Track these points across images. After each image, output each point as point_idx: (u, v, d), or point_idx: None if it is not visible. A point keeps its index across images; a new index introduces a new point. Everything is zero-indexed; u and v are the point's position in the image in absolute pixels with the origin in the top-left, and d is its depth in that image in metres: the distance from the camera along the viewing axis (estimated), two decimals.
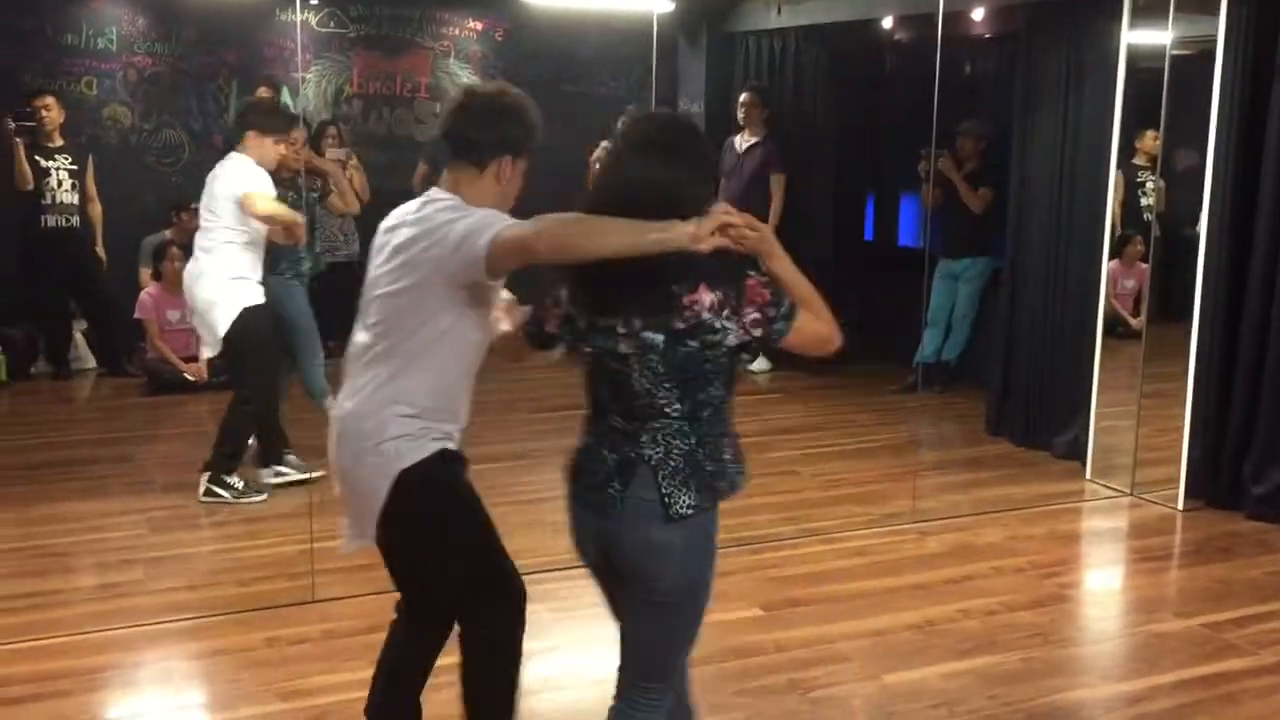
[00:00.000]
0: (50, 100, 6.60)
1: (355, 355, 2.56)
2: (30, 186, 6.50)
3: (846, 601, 4.01)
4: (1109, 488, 5.29)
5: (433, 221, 2.42)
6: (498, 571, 2.69)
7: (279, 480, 4.94)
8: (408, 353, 2.47)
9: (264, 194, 4.67)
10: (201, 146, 7.47)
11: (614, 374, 2.18)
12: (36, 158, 6.51)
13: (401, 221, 2.52)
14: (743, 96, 7.36)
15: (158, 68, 7.40)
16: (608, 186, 2.27)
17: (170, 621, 3.69)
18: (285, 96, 7.38)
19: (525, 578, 4.05)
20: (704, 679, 3.39)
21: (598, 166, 3.19)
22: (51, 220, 6.61)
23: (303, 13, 7.39)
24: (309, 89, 7.63)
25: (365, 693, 3.24)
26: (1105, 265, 5.37)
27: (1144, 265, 5.46)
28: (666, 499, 2.18)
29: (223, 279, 4.69)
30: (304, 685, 3.35)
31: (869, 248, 8.12)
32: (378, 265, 2.53)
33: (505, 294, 2.60)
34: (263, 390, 4.85)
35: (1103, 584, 4.55)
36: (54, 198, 6.59)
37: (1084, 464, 5.47)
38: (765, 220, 7.30)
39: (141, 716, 3.18)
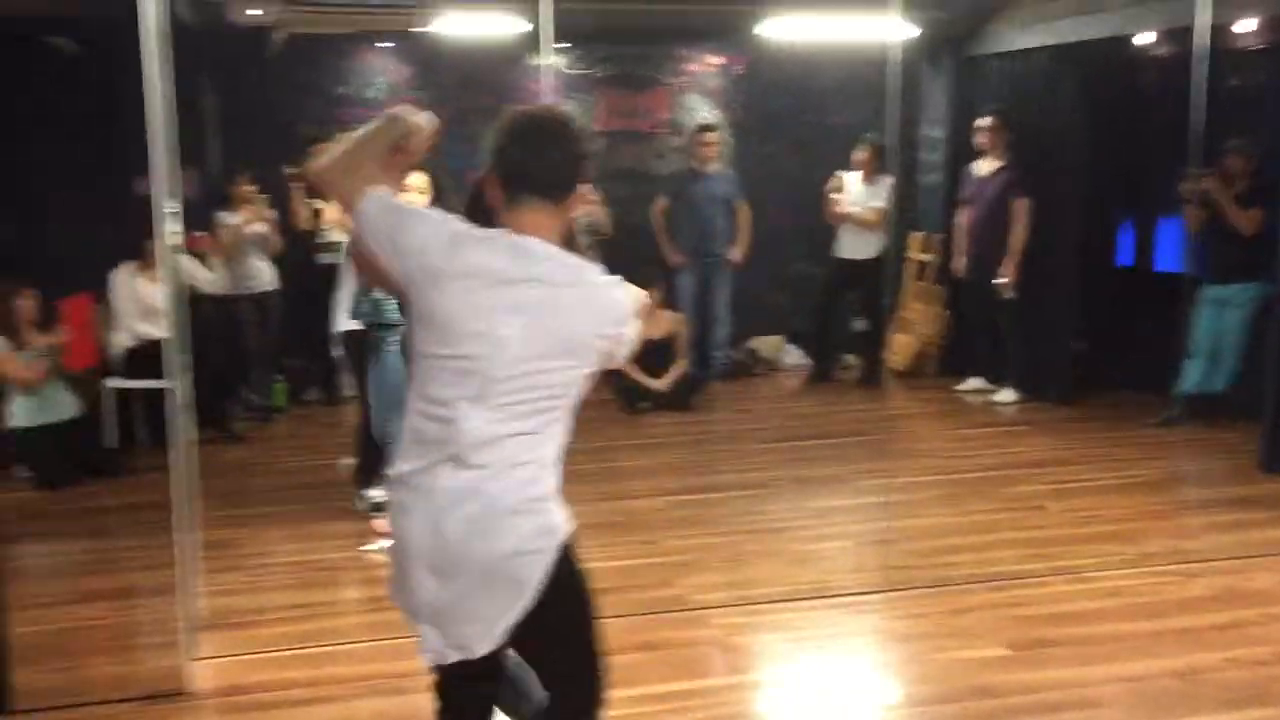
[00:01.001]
0: (326, 147, 7.11)
1: (486, 437, 2.19)
2: (307, 226, 7.03)
3: (1101, 644, 3.82)
4: None
5: (589, 293, 2.23)
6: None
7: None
8: (558, 423, 2.26)
9: None
10: (458, 185, 7.89)
11: None
12: (310, 200, 7.04)
13: (512, 274, 2.17)
14: (983, 121, 7.18)
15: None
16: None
17: None
18: None
19: (764, 607, 4.12)
20: (948, 718, 3.32)
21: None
22: (326, 258, 7.11)
23: (552, 56, 7.71)
24: None
25: (634, 709, 3.32)
26: None
27: None
28: None
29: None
30: None
31: (1123, 274, 7.74)
32: (506, 327, 2.16)
33: None
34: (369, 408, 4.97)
35: None
36: (328, 237, 7.09)
37: None
38: (1008, 247, 7.11)
39: None
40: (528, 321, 2.16)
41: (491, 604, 2.24)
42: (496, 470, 2.19)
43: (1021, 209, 7.02)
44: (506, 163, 2.24)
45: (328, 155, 2.31)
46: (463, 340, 2.17)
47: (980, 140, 7.17)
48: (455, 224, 2.23)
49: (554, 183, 2.22)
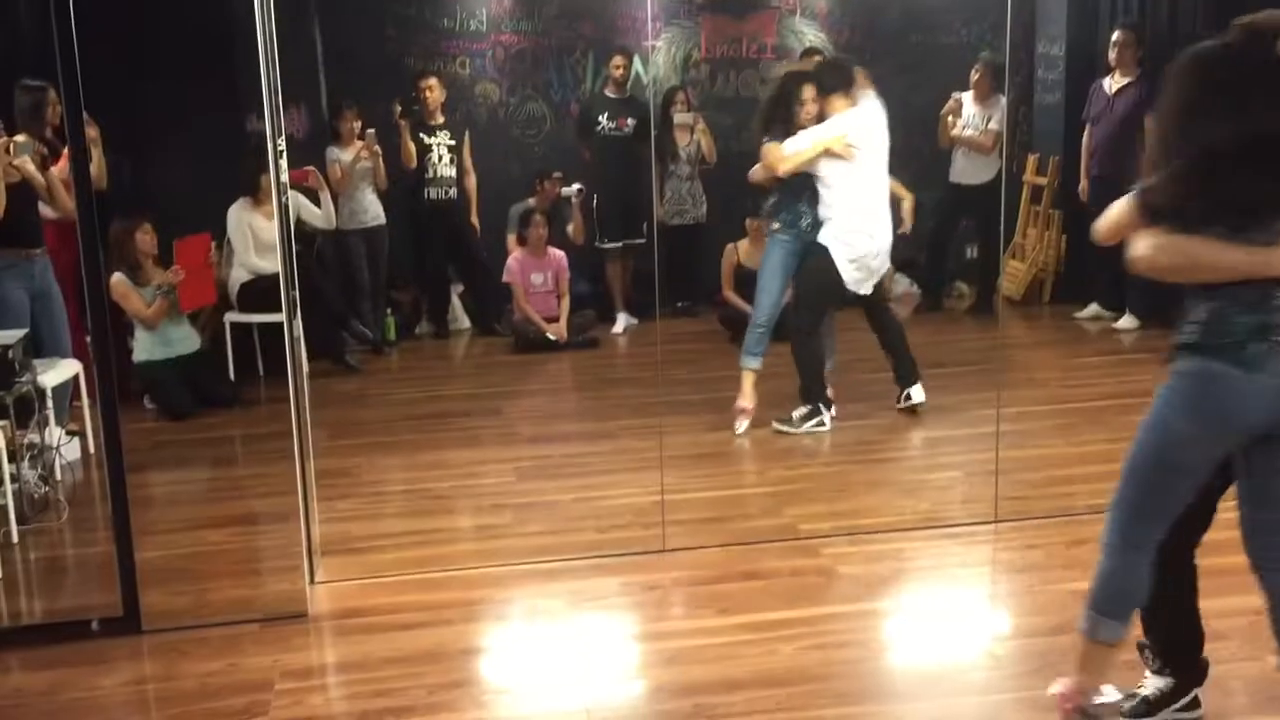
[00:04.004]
0: (433, 81, 7.15)
1: None
2: (414, 165, 7.09)
3: (1225, 576, 3.65)
4: None
5: None
6: None
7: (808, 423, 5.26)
8: None
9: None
10: (560, 117, 7.88)
11: None
12: (420, 135, 7.09)
13: None
14: (1115, 35, 6.87)
15: (522, 45, 7.85)
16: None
17: (536, 563, 3.95)
18: (637, 65, 7.63)
19: (873, 537, 4.09)
20: (1062, 649, 3.26)
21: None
22: (433, 193, 7.18)
23: None
24: (659, 56, 7.85)
25: (713, 639, 3.36)
26: None
27: None
28: None
29: None
30: (656, 629, 3.50)
31: None
32: None
33: None
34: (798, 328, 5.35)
35: None
36: (435, 172, 7.15)
37: None
38: (1136, 165, 6.80)
39: (511, 648, 3.44)
40: None
41: None
42: None
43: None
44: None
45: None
46: None
47: (1111, 55, 6.87)
48: None
49: None
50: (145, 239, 5.57)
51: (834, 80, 5.26)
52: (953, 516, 4.28)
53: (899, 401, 5.47)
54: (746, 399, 5.30)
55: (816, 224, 5.24)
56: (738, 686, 3.09)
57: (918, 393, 5.42)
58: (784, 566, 3.87)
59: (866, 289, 5.30)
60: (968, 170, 7.27)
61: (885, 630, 3.46)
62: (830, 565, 3.87)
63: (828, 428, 5.22)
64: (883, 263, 5.29)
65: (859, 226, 5.18)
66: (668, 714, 2.99)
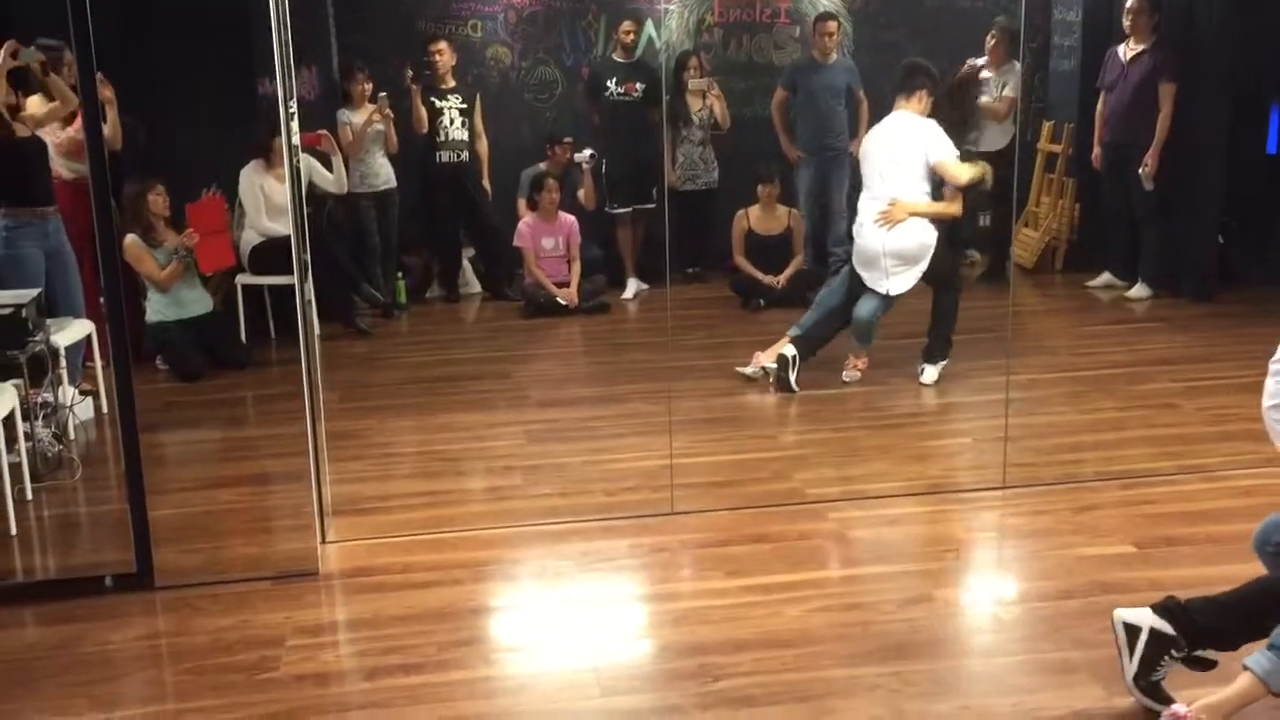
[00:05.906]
0: (444, 45, 7.12)
1: None
2: (426, 129, 7.08)
3: (1230, 544, 3.70)
4: None
5: None
6: None
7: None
8: None
9: None
10: (572, 81, 7.85)
11: None
12: (432, 99, 7.06)
13: None
14: (1130, 2, 6.80)
15: (534, 8, 7.80)
16: None
17: (545, 524, 3.98)
18: (649, 29, 7.58)
19: (881, 501, 4.10)
20: (1069, 613, 3.28)
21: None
22: (444, 156, 7.17)
23: None
24: (672, 20, 7.80)
25: (720, 601, 3.39)
26: None
27: None
28: None
29: None
30: (664, 590, 3.53)
31: (1270, 162, 7.33)
32: None
33: None
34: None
35: None
36: (446, 135, 7.13)
37: None
38: (1152, 133, 6.77)
39: (521, 608, 3.47)
40: None
41: None
42: None
43: (1168, 94, 6.68)
44: None
45: None
46: None
47: (1126, 22, 6.81)
48: None
49: None
50: (158, 200, 5.57)
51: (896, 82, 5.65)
52: (961, 482, 4.29)
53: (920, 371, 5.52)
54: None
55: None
56: (744, 647, 3.12)
57: (930, 374, 5.43)
58: (791, 530, 3.89)
59: (891, 286, 5.41)
60: (982, 137, 7.22)
61: (891, 593, 3.47)
62: (838, 529, 3.89)
63: (787, 387, 5.29)
64: (900, 266, 5.37)
65: (866, 224, 5.44)
66: (674, 673, 3.02)
